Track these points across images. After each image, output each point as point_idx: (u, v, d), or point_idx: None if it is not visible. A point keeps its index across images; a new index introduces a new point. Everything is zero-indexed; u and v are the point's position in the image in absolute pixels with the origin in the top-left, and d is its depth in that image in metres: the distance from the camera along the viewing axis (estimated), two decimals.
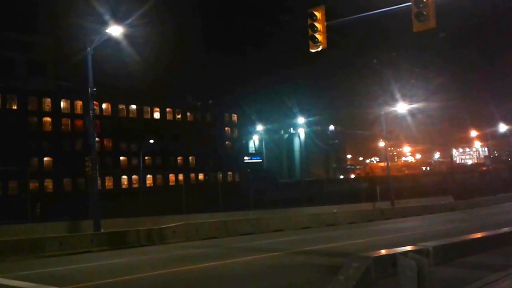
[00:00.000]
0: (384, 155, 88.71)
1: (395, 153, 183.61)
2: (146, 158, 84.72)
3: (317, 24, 17.65)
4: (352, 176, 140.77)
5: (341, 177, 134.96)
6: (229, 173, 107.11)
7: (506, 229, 10.66)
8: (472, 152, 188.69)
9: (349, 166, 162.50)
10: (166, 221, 29.42)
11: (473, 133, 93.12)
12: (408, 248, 6.57)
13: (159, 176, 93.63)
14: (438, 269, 7.42)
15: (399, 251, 6.27)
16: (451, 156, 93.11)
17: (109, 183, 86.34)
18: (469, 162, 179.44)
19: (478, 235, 9.70)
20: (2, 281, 13.85)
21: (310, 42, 17.83)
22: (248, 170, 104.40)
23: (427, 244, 6.92)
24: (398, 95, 52.73)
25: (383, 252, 6.28)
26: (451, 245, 7.78)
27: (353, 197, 51.35)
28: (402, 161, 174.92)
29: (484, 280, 9.24)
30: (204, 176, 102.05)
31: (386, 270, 5.93)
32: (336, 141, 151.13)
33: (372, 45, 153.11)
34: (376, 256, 5.88)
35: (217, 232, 28.48)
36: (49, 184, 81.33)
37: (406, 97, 52.65)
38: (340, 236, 25.31)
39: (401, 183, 62.81)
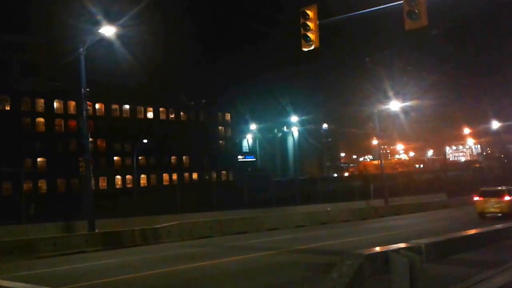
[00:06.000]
0: (377, 153, 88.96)
1: (388, 151, 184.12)
2: (140, 158, 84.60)
3: (309, 23, 17.72)
4: (346, 174, 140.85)
5: (335, 175, 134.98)
6: (223, 172, 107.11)
7: (498, 226, 10.72)
8: (465, 149, 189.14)
9: (342, 164, 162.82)
10: (160, 221, 29.43)
11: (466, 130, 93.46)
12: (401, 245, 6.62)
13: (153, 176, 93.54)
14: (431, 266, 7.47)
15: (392, 248, 6.32)
16: (444, 154, 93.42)
17: (103, 183, 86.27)
18: (462, 159, 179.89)
19: (471, 232, 9.74)
20: None
21: (303, 41, 17.89)
22: (242, 169, 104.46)
23: (420, 241, 6.95)
24: (391, 93, 52.77)
25: (376, 249, 6.32)
26: (443, 242, 7.81)
27: (347, 195, 51.35)
28: (396, 159, 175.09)
29: (477, 277, 9.31)
30: (198, 175, 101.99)
31: (379, 267, 5.97)
32: (330, 139, 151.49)
33: (364, 44, 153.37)
34: (369, 254, 5.92)
35: (212, 231, 28.49)
36: (43, 184, 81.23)
37: (399, 95, 52.68)
38: (334, 234, 25.35)
39: (395, 181, 62.69)
